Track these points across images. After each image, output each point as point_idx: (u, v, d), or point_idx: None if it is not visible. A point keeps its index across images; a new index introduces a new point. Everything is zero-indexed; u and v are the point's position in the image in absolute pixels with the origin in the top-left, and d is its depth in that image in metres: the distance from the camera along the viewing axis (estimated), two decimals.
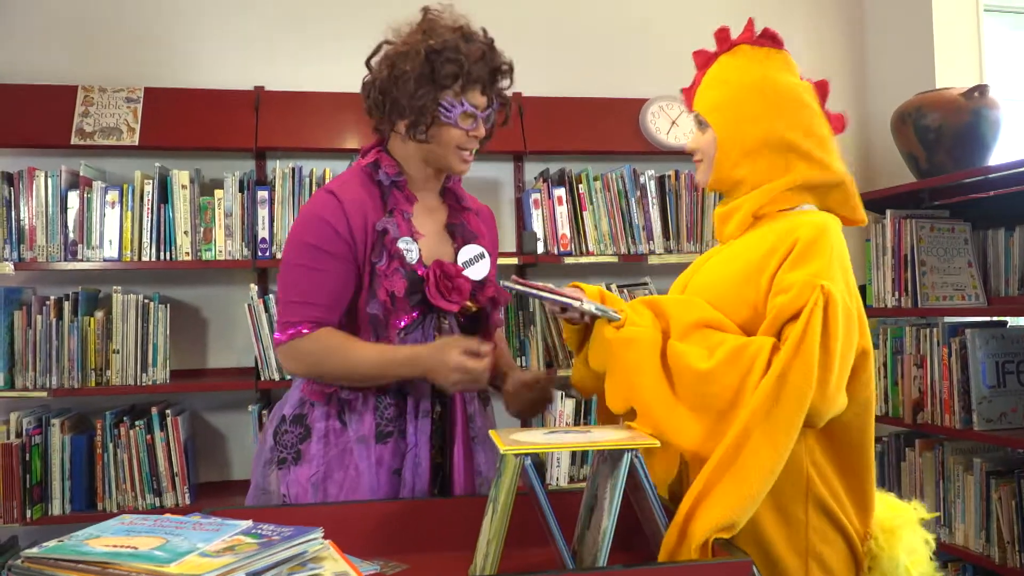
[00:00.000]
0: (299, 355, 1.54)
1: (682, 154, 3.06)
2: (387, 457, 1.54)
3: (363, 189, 1.60)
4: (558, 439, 1.24)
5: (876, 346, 2.79)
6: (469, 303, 1.63)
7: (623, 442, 1.19)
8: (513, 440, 1.22)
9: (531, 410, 1.68)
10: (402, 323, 1.56)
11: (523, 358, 2.84)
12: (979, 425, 2.42)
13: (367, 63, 1.61)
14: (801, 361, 1.20)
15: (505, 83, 1.65)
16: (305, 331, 1.52)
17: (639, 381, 1.30)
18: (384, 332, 1.53)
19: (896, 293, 2.71)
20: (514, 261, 2.86)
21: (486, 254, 1.65)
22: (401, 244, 1.54)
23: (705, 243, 2.96)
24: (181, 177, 2.67)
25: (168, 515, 1.12)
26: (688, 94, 1.60)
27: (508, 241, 3.09)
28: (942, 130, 2.61)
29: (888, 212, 2.72)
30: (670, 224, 2.95)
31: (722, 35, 1.58)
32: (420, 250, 1.57)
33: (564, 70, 3.14)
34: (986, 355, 2.45)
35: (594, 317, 1.40)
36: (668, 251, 2.94)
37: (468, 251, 1.63)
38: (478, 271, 1.63)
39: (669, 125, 3.08)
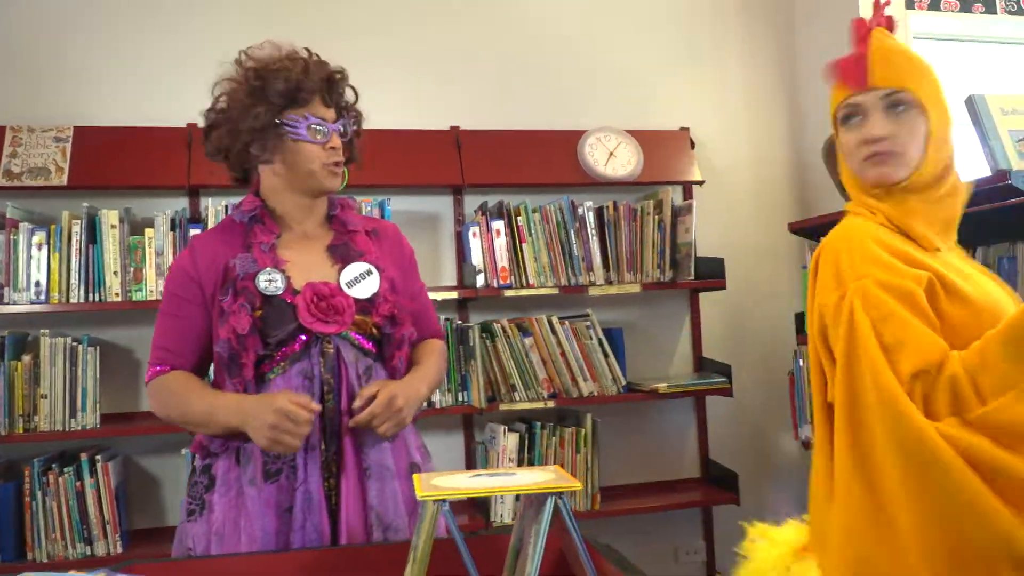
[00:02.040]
0: (153, 397, 1.58)
1: (620, 184, 3.12)
2: (276, 496, 1.49)
3: (221, 232, 1.62)
4: (480, 483, 1.22)
5: None
6: (361, 320, 1.57)
7: (546, 485, 1.18)
8: (433, 485, 1.20)
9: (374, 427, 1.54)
10: (274, 356, 1.53)
11: (464, 393, 2.82)
12: None
13: (204, 116, 1.63)
14: None
15: (346, 93, 1.66)
16: (157, 371, 1.57)
17: None
18: (237, 372, 1.50)
19: None
20: (455, 295, 2.85)
21: (374, 271, 1.60)
22: (262, 277, 1.52)
23: (645, 273, 2.98)
24: (110, 216, 2.61)
25: (73, 571, 1.08)
26: (854, 68, 1.33)
27: (448, 275, 3.08)
28: None
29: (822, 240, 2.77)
30: (610, 255, 2.97)
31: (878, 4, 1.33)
32: (289, 278, 1.55)
33: (502, 103, 3.16)
34: None
35: None
36: (608, 282, 2.95)
37: (352, 270, 1.59)
38: (365, 288, 1.58)
39: (607, 156, 3.10)
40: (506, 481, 1.22)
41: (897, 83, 1.31)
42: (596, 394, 2.90)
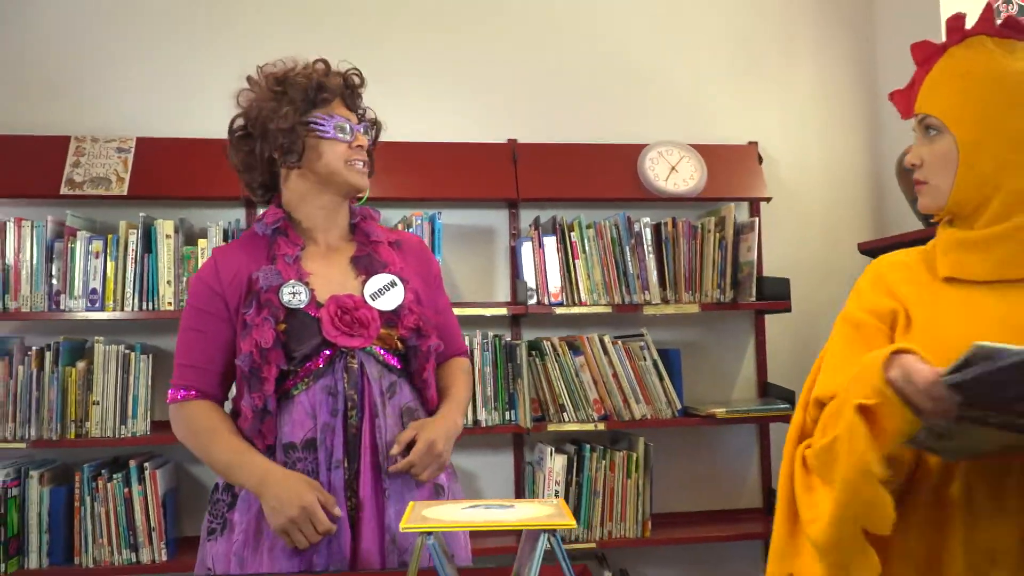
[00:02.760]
0: (175, 422, 1.55)
1: (680, 200, 2.99)
2: None
3: (244, 244, 1.59)
4: (471, 515, 1.14)
5: None
6: (386, 334, 1.53)
7: (538, 522, 1.09)
8: (422, 516, 1.13)
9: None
10: (297, 370, 1.50)
11: (511, 412, 2.74)
12: None
13: (229, 132, 1.63)
14: None
15: (363, 99, 1.65)
16: (181, 396, 1.53)
17: None
18: (257, 387, 1.46)
19: None
20: (505, 311, 2.78)
21: (398, 282, 1.57)
22: (286, 290, 1.49)
23: (704, 293, 2.85)
24: (165, 227, 2.65)
25: None
26: (904, 97, 1.30)
27: (502, 291, 3.01)
28: None
29: None
30: (667, 273, 2.85)
31: (956, 23, 1.23)
32: (312, 291, 1.51)
33: (560, 115, 3.09)
34: None
35: None
36: (665, 301, 2.83)
37: (376, 281, 1.56)
38: (389, 301, 1.54)
39: (668, 171, 2.99)
40: (498, 515, 1.13)
41: (927, 107, 1.24)
42: (650, 417, 2.77)
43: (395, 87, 2.97)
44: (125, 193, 2.74)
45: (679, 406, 2.80)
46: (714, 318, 3.08)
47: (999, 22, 1.21)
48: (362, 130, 1.60)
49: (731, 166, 3.07)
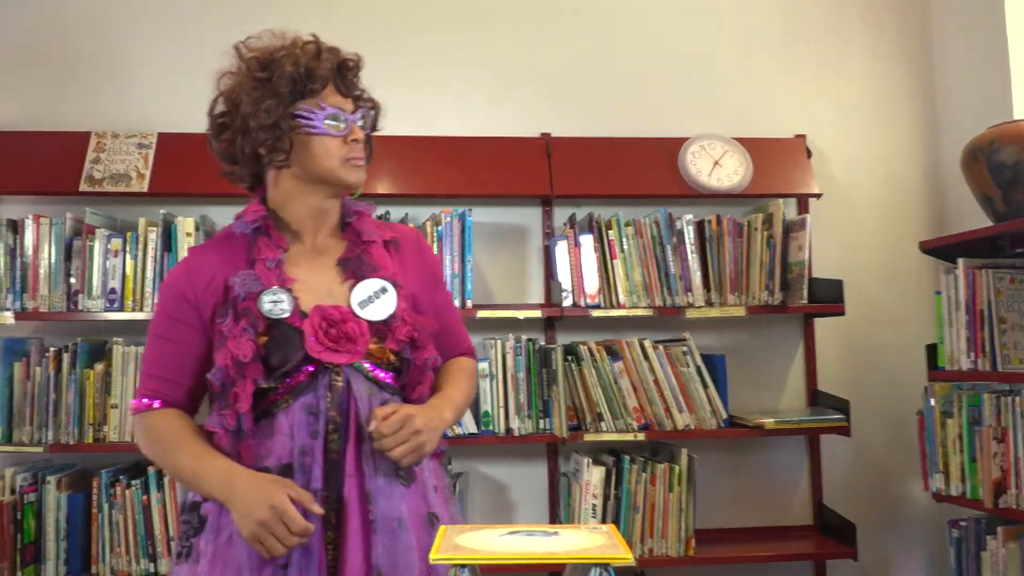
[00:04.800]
0: (139, 433, 1.42)
1: (725, 197, 2.83)
2: None
3: (219, 245, 1.43)
4: (512, 544, 1.00)
5: (950, 415, 2.45)
6: (377, 348, 1.38)
7: (590, 555, 0.95)
8: (455, 545, 0.99)
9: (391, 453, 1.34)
10: (274, 385, 1.35)
11: (546, 420, 2.60)
12: None
13: (209, 118, 1.46)
14: None
15: (361, 82, 1.47)
16: (145, 405, 1.40)
17: None
18: (228, 405, 1.32)
19: (972, 354, 2.37)
20: (539, 314, 2.64)
21: (389, 287, 1.41)
22: (266, 298, 1.34)
23: (751, 295, 2.68)
24: (186, 224, 2.54)
25: None
26: None
27: (535, 292, 2.87)
28: (1020, 166, 2.30)
29: (960, 261, 2.40)
30: (711, 274, 2.69)
31: None
32: (296, 299, 1.36)
33: (595, 108, 2.94)
34: None
35: None
36: (709, 303, 2.67)
37: (364, 288, 1.40)
38: (379, 310, 1.39)
39: (711, 166, 2.83)
40: (543, 546, 0.99)
41: None
42: (693, 427, 2.61)
43: (423, 79, 2.85)
44: (145, 190, 2.64)
45: (724, 416, 2.63)
46: (761, 322, 2.91)
47: None
48: (359, 118, 1.43)
49: (778, 160, 2.90)
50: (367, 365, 1.38)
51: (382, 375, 1.40)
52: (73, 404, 2.48)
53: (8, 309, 2.49)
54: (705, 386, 2.63)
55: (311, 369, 1.35)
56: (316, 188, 1.43)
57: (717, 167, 2.83)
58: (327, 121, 1.39)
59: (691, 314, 2.63)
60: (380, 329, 1.39)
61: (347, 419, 1.35)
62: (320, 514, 1.28)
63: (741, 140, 2.87)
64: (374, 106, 1.49)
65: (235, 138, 1.41)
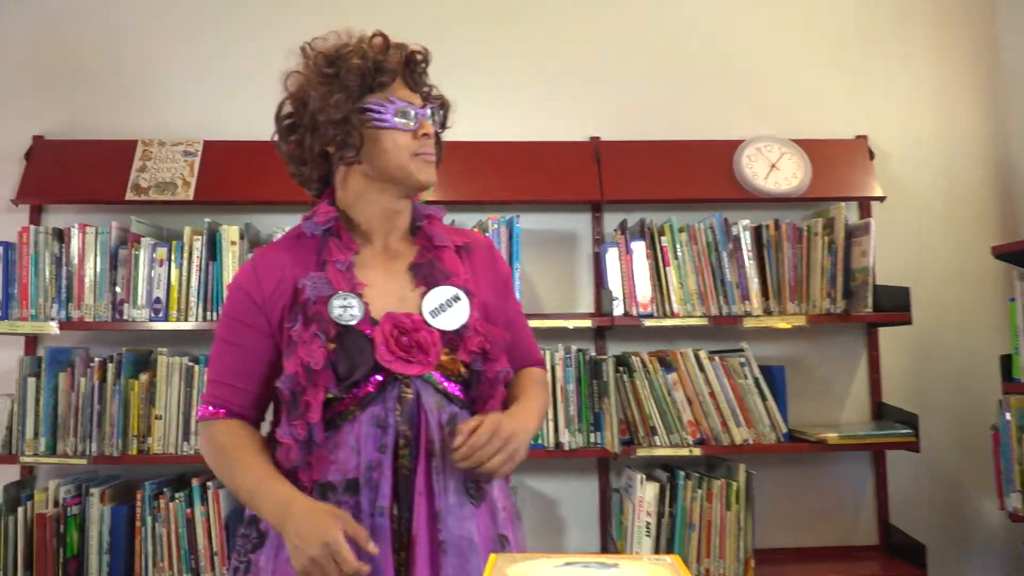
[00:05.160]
0: (202, 441, 1.37)
1: (783, 201, 2.71)
2: None
3: (289, 246, 1.37)
4: None
5: None
6: (448, 360, 1.32)
7: None
8: (506, 575, 0.91)
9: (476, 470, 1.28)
10: (345, 395, 1.29)
11: (597, 434, 2.50)
12: None
13: (276, 122, 1.41)
14: None
15: (428, 76, 1.41)
16: (210, 413, 1.34)
17: None
18: (299, 414, 1.25)
19: None
20: (589, 324, 2.54)
21: (462, 296, 1.34)
22: (336, 302, 1.28)
23: (811, 303, 2.56)
24: (231, 232, 2.51)
25: None
26: None
27: (585, 300, 2.78)
28: None
29: None
30: (769, 281, 2.57)
31: None
32: (366, 305, 1.30)
33: (645, 111, 2.85)
34: None
35: None
36: (767, 312, 2.55)
37: (436, 295, 1.34)
38: (452, 319, 1.33)
39: (768, 169, 2.71)
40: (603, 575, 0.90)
41: None
42: (751, 442, 2.49)
43: (470, 82, 2.79)
44: (191, 198, 2.62)
45: (784, 430, 2.51)
46: (822, 331, 2.78)
47: None
48: (428, 114, 1.38)
49: (838, 163, 2.78)
50: (437, 376, 1.32)
51: (452, 388, 1.34)
52: (117, 415, 2.45)
53: (53, 319, 2.48)
54: (763, 399, 2.51)
55: (380, 379, 1.29)
56: (386, 187, 1.37)
57: (774, 170, 2.72)
58: (397, 117, 1.34)
59: (748, 323, 2.52)
60: (452, 339, 1.32)
61: (417, 433, 1.28)
62: (375, 554, 1.21)
63: (799, 141, 2.75)
64: (443, 103, 1.43)
65: (304, 137, 1.36)
